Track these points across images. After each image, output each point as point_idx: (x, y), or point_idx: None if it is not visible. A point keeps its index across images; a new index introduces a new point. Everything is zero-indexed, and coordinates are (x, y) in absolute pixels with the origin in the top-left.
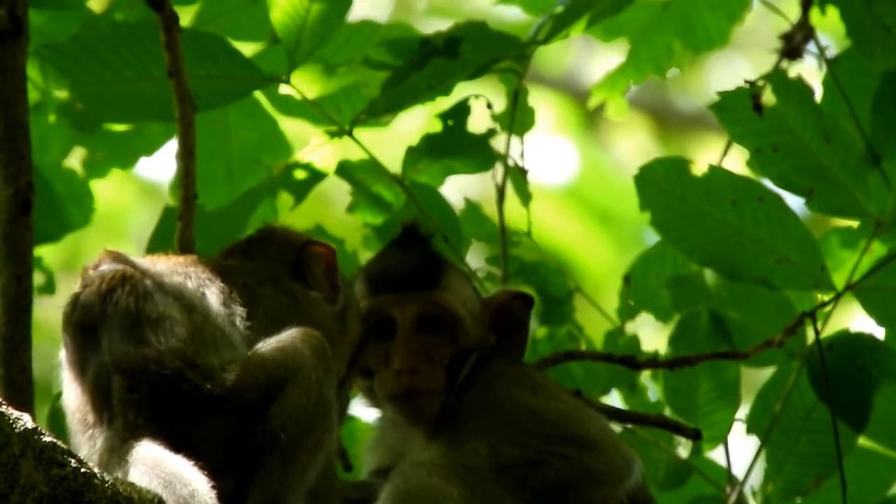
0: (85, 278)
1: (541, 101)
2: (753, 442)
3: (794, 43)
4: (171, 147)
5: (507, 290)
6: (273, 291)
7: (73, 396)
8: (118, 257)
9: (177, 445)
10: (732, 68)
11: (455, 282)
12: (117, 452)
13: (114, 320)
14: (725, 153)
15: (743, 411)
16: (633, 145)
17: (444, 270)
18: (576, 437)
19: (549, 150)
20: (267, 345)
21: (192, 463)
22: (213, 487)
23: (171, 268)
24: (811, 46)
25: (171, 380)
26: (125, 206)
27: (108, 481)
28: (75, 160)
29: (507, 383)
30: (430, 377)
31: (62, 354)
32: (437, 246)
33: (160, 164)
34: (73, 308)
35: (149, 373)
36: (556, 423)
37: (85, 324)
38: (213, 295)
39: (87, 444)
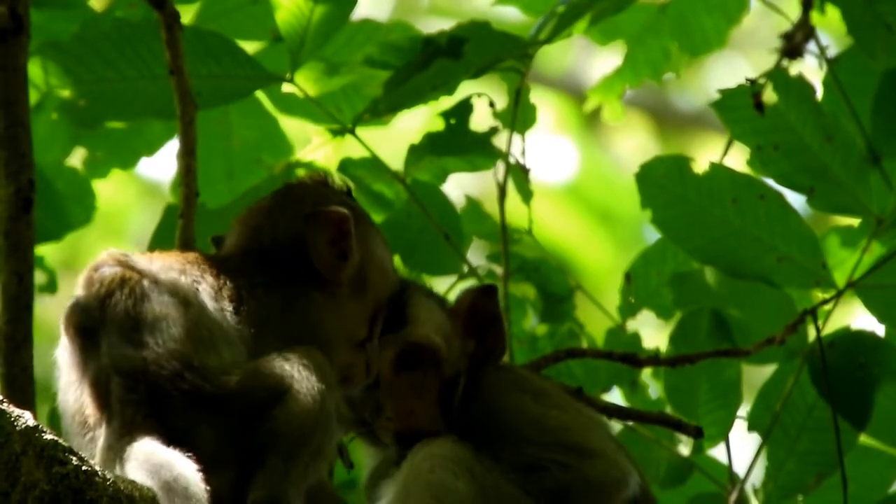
0: (86, 280)
1: (541, 100)
2: (754, 440)
3: (794, 42)
4: (172, 146)
5: (468, 289)
6: (263, 294)
7: (72, 399)
8: (118, 258)
9: (175, 441)
10: (733, 68)
11: (422, 310)
12: (113, 450)
13: (113, 323)
14: (726, 152)
15: (744, 409)
16: (634, 145)
17: (409, 301)
18: (576, 446)
19: (550, 150)
20: (268, 358)
21: (183, 453)
22: (207, 476)
23: (167, 265)
24: (812, 46)
25: (170, 379)
26: (125, 205)
27: (109, 479)
28: (76, 160)
29: (507, 391)
30: (426, 415)
31: (60, 356)
32: None
33: (161, 164)
34: (74, 311)
35: (147, 373)
36: (556, 431)
37: (85, 327)
38: (205, 293)
39: (86, 446)
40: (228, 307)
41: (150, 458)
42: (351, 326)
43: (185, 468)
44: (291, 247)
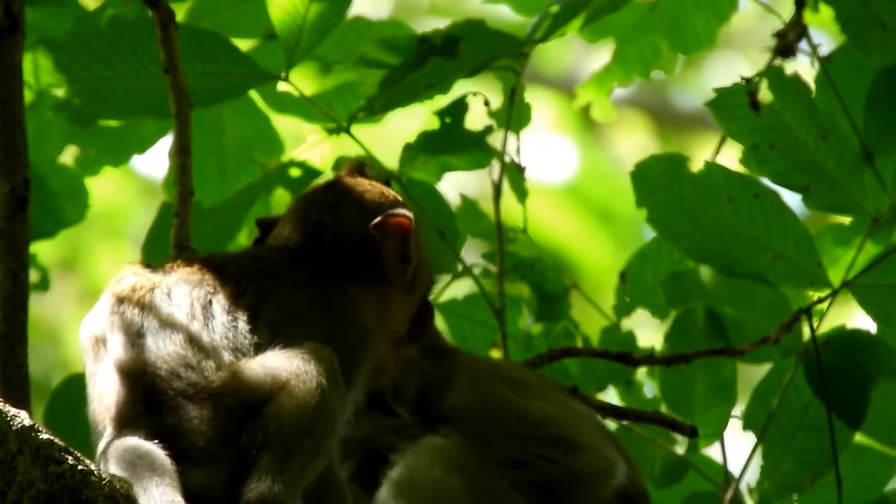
0: (106, 292)
1: (540, 100)
2: (750, 439)
3: (787, 41)
4: (167, 144)
5: None
6: (291, 291)
7: (91, 408)
8: (136, 270)
9: (165, 439)
10: (731, 68)
11: None
12: (106, 448)
13: (120, 330)
14: (718, 150)
15: (739, 408)
16: (633, 144)
17: None
18: (561, 440)
19: (549, 149)
20: (267, 356)
21: (172, 450)
22: (200, 473)
23: (183, 276)
24: (805, 45)
25: (166, 379)
26: (124, 204)
27: (105, 478)
28: (69, 157)
29: (484, 382)
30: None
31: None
32: None
33: (159, 163)
34: (91, 321)
35: (146, 374)
36: (541, 425)
37: (98, 336)
38: (218, 304)
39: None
40: (243, 316)
41: (130, 452)
42: (397, 323)
43: (150, 448)
44: (354, 247)
